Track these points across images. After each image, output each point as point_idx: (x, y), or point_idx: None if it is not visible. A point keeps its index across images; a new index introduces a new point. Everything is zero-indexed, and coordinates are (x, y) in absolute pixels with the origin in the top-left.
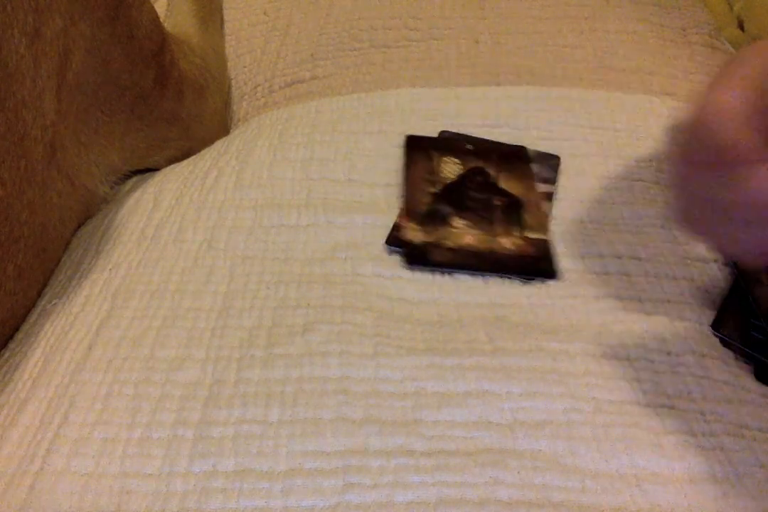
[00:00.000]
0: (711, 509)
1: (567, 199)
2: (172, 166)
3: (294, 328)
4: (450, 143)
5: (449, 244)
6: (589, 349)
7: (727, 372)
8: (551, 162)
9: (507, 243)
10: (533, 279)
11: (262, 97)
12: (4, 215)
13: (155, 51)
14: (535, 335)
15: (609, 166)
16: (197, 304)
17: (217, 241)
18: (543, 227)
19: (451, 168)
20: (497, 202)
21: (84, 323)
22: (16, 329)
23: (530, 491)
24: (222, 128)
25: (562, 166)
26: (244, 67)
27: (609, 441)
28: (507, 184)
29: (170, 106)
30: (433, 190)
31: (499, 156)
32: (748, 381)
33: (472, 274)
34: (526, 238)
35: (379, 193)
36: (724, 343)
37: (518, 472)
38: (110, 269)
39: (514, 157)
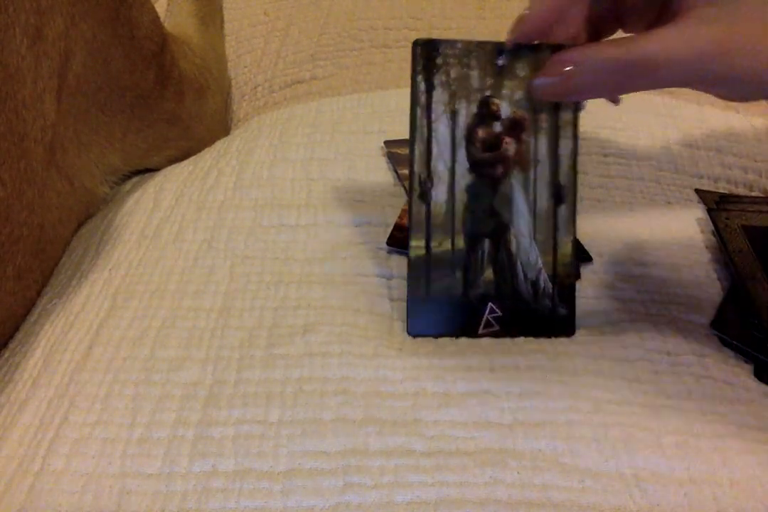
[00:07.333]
0: (711, 509)
1: None
2: (172, 166)
3: (294, 329)
4: None
5: None
6: (588, 350)
7: (727, 371)
8: None
9: None
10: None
11: (263, 97)
12: (4, 215)
13: (155, 51)
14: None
15: (609, 165)
16: (197, 304)
17: (217, 241)
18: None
19: None
20: None
21: (84, 323)
22: (16, 329)
23: (530, 491)
24: (222, 128)
25: None
26: (245, 67)
27: (609, 441)
28: None
29: (170, 107)
30: None
31: None
32: (748, 380)
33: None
34: None
35: (380, 193)
36: (724, 343)
37: (518, 472)
38: (110, 269)
39: None
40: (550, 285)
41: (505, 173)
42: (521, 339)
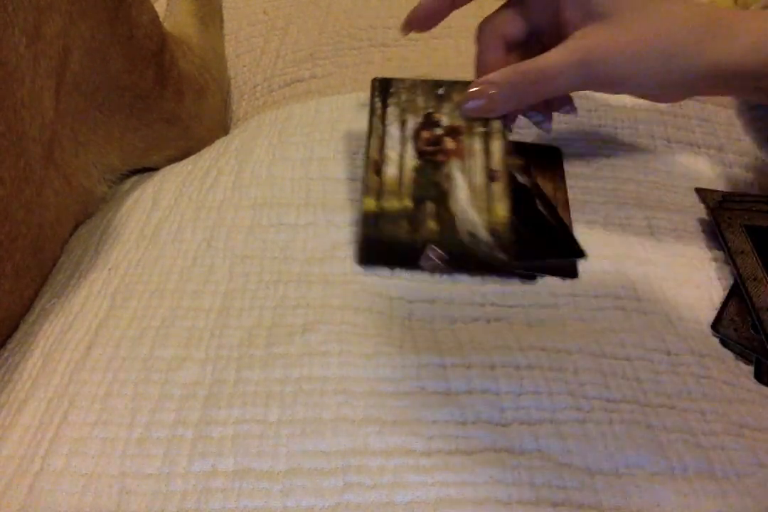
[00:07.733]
0: (711, 509)
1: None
2: (172, 165)
3: (293, 328)
4: None
5: None
6: (588, 348)
7: (727, 372)
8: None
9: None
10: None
11: (262, 96)
12: (3, 214)
13: (155, 51)
14: (534, 334)
15: (609, 165)
16: (196, 304)
17: (216, 241)
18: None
19: None
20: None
21: (83, 323)
22: (14, 328)
23: (530, 491)
24: (221, 128)
25: (564, 166)
26: (244, 66)
27: (608, 441)
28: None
29: (169, 106)
30: None
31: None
32: (748, 381)
33: (472, 274)
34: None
35: None
36: (724, 343)
37: (518, 472)
38: (109, 269)
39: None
40: (488, 236)
41: (446, 160)
42: (521, 335)
